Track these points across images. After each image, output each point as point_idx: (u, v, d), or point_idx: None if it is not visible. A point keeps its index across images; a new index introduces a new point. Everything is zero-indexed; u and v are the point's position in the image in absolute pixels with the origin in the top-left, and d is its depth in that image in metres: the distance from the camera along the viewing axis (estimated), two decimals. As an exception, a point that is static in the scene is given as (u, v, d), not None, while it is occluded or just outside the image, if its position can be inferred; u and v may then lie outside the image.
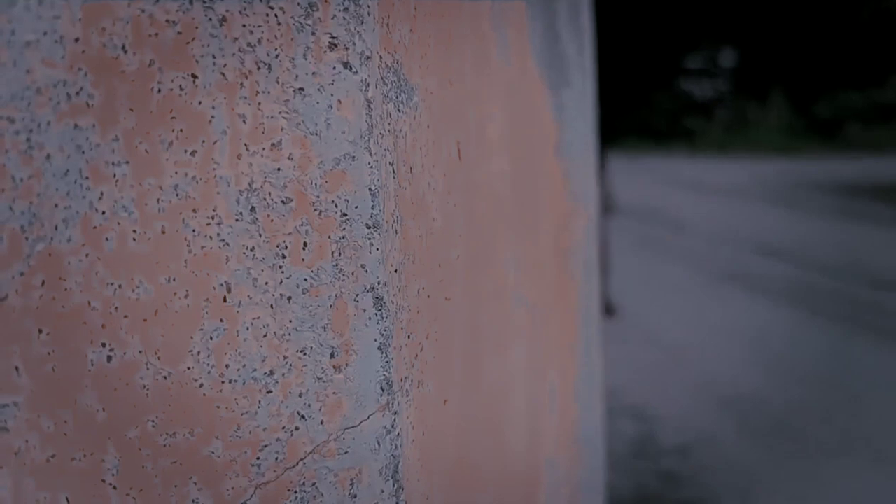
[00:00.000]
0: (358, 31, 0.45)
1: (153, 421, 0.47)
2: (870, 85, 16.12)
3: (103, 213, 0.44)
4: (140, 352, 0.46)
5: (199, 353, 0.46)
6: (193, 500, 0.48)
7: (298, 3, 0.44)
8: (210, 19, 0.43)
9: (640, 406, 3.77)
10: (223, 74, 0.44)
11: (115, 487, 0.47)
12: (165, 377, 0.46)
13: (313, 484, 0.50)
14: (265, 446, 0.48)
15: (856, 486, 2.90)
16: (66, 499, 0.48)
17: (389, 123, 0.50)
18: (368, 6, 0.45)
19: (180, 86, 0.43)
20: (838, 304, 5.29)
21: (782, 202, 9.86)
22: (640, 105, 16.72)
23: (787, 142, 15.52)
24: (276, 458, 0.49)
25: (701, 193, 10.93)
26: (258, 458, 0.48)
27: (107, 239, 0.45)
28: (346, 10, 0.45)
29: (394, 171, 0.51)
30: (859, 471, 2.98)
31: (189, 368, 0.46)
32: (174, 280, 0.45)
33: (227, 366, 0.47)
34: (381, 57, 0.48)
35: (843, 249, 6.96)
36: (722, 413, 3.65)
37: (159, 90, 0.44)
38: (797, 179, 11.63)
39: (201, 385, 0.47)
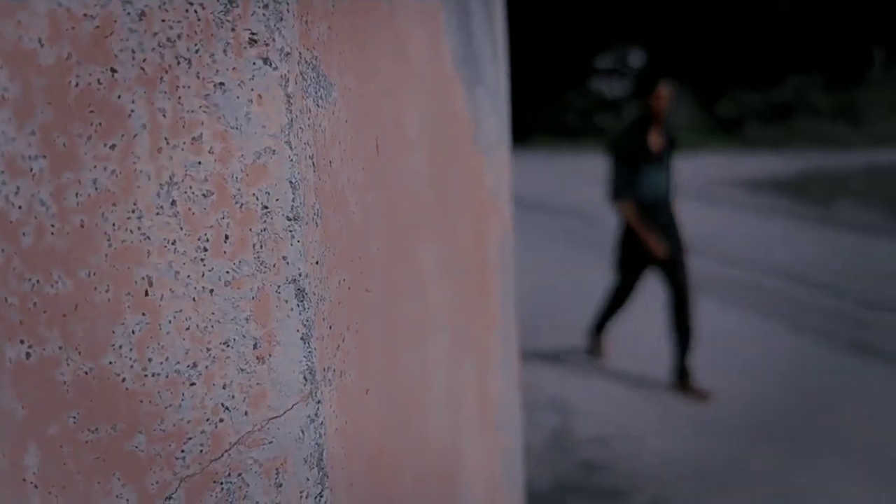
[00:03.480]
0: (277, 28, 0.46)
1: (74, 417, 0.46)
2: (768, 85, 17.02)
3: (20, 207, 0.44)
4: (60, 347, 0.45)
5: (121, 347, 0.46)
6: (117, 496, 0.48)
7: (218, 0, 0.44)
8: (129, 14, 0.43)
9: (560, 398, 3.87)
10: (143, 69, 0.44)
11: (35, 486, 0.47)
12: (87, 372, 0.46)
13: (239, 474, 0.50)
14: (189, 439, 0.49)
15: (768, 468, 3.07)
16: (-19, 500, 0.47)
17: (309, 118, 0.51)
18: (287, 4, 0.46)
19: (98, 80, 0.43)
20: (747, 293, 5.57)
21: (691, 197, 10.28)
22: (553, 104, 17.07)
23: (692, 139, 16.17)
24: (201, 451, 0.49)
25: (613, 189, 11.23)
26: (182, 451, 0.49)
27: (24, 234, 0.44)
28: (265, 6, 0.46)
29: (314, 165, 0.52)
30: (774, 455, 3.16)
31: (111, 363, 0.46)
32: (94, 274, 0.45)
33: (149, 359, 0.47)
34: (300, 53, 0.49)
35: (750, 241, 7.33)
36: (637, 401, 3.79)
37: (77, 84, 0.43)
38: (703, 175, 12.14)
39: (124, 379, 0.47)
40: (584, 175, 12.87)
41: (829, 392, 3.77)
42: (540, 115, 16.99)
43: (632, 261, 3.96)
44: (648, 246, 3.76)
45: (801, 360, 4.26)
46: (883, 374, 3.86)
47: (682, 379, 3.78)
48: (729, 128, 16.36)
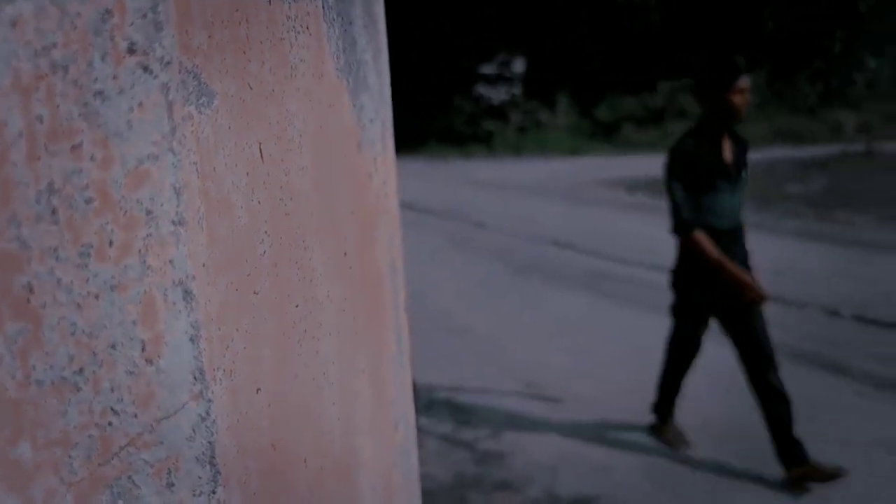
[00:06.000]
0: (157, 37, 0.48)
1: (-48, 428, 0.46)
2: (642, 90, 17.95)
3: None
4: (-65, 358, 0.45)
5: (2, 356, 0.46)
6: (1, 506, 0.48)
7: (95, 9, 0.45)
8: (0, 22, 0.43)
9: (455, 396, 3.94)
10: (17, 77, 0.44)
11: (-90, 501, 0.46)
12: (-35, 382, 0.45)
13: (129, 477, 0.51)
14: (77, 444, 0.49)
15: (632, 439, 3.25)
16: None
17: (191, 125, 0.53)
18: (166, 14, 0.48)
19: (-30, 88, 0.43)
20: (629, 288, 5.84)
21: (573, 198, 10.69)
22: (442, 110, 17.28)
23: (573, 142, 16.80)
24: (89, 456, 0.50)
25: (500, 192, 11.55)
26: (70, 458, 0.49)
27: None
28: (143, 16, 0.47)
29: (197, 171, 0.53)
30: (640, 430, 3.34)
31: (-8, 371, 0.46)
32: (-29, 283, 0.45)
33: (33, 367, 0.47)
34: (180, 62, 0.50)
35: (628, 238, 7.70)
36: (528, 394, 3.91)
37: (-54, 92, 0.43)
38: (584, 177, 12.65)
39: (6, 388, 0.46)
40: (471, 180, 13.08)
41: (700, 375, 4.01)
42: (429, 122, 17.17)
43: (696, 305, 3.04)
44: (741, 288, 2.76)
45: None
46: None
47: (798, 464, 2.78)
48: (607, 131, 17.13)
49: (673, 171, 2.81)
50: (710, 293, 2.86)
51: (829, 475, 2.73)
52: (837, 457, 2.83)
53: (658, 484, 2.93)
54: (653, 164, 13.62)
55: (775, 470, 2.88)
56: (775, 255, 6.19)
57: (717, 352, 3.85)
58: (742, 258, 2.85)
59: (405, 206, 8.90)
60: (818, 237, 7.71)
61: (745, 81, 2.70)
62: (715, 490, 2.85)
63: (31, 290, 0.46)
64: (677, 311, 3.13)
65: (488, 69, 18.35)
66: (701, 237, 2.74)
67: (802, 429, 2.87)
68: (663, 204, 10.06)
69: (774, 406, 2.80)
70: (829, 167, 11.65)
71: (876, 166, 11.78)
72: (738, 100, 2.70)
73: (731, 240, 2.83)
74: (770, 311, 4.69)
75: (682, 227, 2.79)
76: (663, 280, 5.88)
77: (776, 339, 4.00)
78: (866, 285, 5.51)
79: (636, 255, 6.83)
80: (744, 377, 2.91)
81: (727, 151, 2.82)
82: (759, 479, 2.89)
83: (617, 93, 18.06)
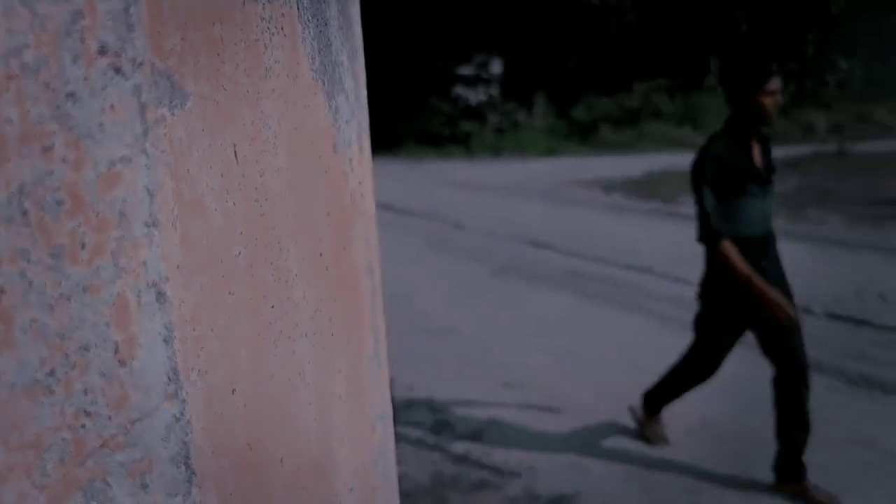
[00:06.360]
0: (129, 39, 0.48)
1: (-78, 432, 0.45)
2: (618, 91, 18.08)
3: None
4: None
5: (-28, 358, 0.46)
6: (-28, 510, 0.47)
7: (65, 10, 0.45)
8: (-30, 24, 0.43)
9: (434, 396, 3.94)
10: (-13, 78, 0.44)
11: None
12: (-65, 385, 0.45)
13: (103, 479, 0.51)
14: (49, 447, 0.49)
15: (612, 439, 3.27)
16: None
17: (164, 127, 0.53)
18: (138, 16, 0.48)
19: (-61, 89, 0.43)
20: (608, 288, 5.88)
21: (550, 198, 10.75)
22: (419, 111, 17.28)
23: (550, 143, 16.88)
24: (62, 459, 0.49)
25: (478, 193, 11.59)
26: (42, 460, 0.49)
27: None
28: (114, 18, 0.47)
29: (171, 172, 0.53)
30: (618, 430, 3.37)
31: (-38, 374, 0.46)
32: (-60, 286, 0.45)
33: (4, 369, 0.47)
34: (153, 63, 0.50)
35: (606, 238, 7.75)
36: (507, 394, 3.92)
37: (-86, 93, 0.43)
38: (561, 177, 12.72)
39: (-24, 391, 0.46)
40: (449, 181, 13.09)
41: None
42: (407, 123, 17.17)
43: (722, 320, 2.86)
44: (769, 307, 2.60)
45: (646, 341, 4.55)
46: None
47: (794, 483, 2.78)
48: (584, 132, 17.24)
49: (702, 174, 2.67)
50: (740, 305, 2.71)
51: (821, 501, 2.71)
52: (810, 452, 2.87)
53: (637, 484, 2.96)
54: (629, 165, 13.75)
55: (760, 474, 2.91)
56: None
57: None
58: (776, 268, 2.75)
59: (383, 207, 8.91)
60: (790, 236, 7.82)
61: (775, 83, 2.62)
62: (697, 491, 2.89)
63: (2, 291, 0.46)
64: (700, 322, 2.95)
65: (466, 70, 18.39)
66: (729, 249, 2.61)
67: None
68: (640, 204, 10.13)
69: (794, 430, 2.73)
70: (801, 167, 11.83)
71: (848, 166, 11.99)
72: (768, 102, 2.61)
73: (764, 248, 2.72)
74: (744, 310, 4.75)
75: (709, 238, 2.66)
76: (641, 280, 5.93)
77: (748, 337, 4.05)
78: (838, 283, 5.60)
79: (614, 255, 6.88)
80: (771, 393, 2.80)
81: (757, 155, 2.72)
82: (739, 481, 2.93)
83: (593, 94, 18.19)
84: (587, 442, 3.31)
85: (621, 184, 11.67)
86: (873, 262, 6.39)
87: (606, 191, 11.21)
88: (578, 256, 6.99)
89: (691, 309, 5.20)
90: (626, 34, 18.47)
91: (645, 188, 11.13)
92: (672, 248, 6.89)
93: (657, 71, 17.96)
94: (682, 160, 13.65)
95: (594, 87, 18.18)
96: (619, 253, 6.92)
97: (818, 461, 2.84)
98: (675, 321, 4.83)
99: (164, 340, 0.51)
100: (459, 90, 18.29)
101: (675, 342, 4.46)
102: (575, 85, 18.30)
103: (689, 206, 9.26)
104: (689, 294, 5.50)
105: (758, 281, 2.58)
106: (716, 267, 2.73)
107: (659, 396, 3.15)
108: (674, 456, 3.12)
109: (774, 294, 2.59)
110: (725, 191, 2.64)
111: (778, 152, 2.87)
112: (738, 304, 2.70)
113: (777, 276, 2.73)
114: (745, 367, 3.36)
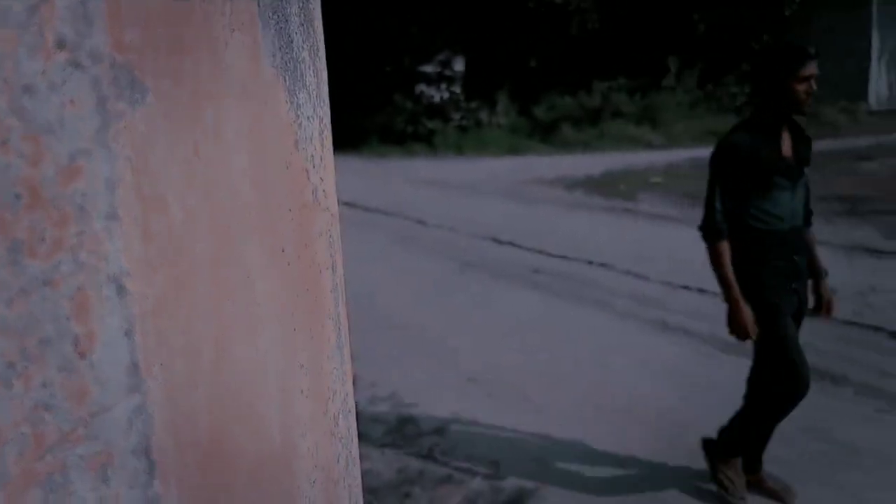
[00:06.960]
0: (87, 33, 0.48)
1: None
2: (579, 90, 18.25)
3: None
4: None
5: (-72, 352, 0.45)
6: (-71, 506, 0.47)
7: (22, 4, 0.45)
8: (-75, 16, 0.43)
9: (398, 392, 3.94)
10: (-57, 71, 0.44)
11: None
12: None
13: (63, 472, 0.51)
14: (8, 441, 0.49)
15: (574, 432, 3.32)
16: None
17: (124, 121, 0.53)
18: (96, 10, 0.48)
19: None
20: (571, 284, 5.94)
21: (513, 196, 10.81)
22: (381, 109, 17.22)
23: (513, 141, 16.97)
24: (21, 453, 0.49)
25: (441, 191, 11.60)
26: (1, 454, 0.49)
27: None
28: (73, 12, 0.47)
29: (131, 167, 0.53)
30: (587, 424, 3.41)
31: (-82, 369, 0.45)
32: None
33: (-39, 363, 0.46)
34: (113, 57, 0.50)
35: (568, 236, 7.82)
36: (471, 390, 3.94)
37: None
38: (524, 175, 12.79)
39: (-67, 385, 0.46)
40: (413, 178, 13.08)
41: (637, 367, 4.12)
42: (370, 120, 17.10)
43: (774, 312, 2.58)
44: (731, 319, 2.54)
45: (608, 336, 4.63)
46: (676, 349, 4.28)
47: (750, 473, 2.77)
48: (545, 131, 17.36)
49: (720, 169, 2.52)
50: (780, 287, 2.55)
51: (776, 493, 2.71)
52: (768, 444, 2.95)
53: (597, 474, 3.00)
54: (590, 163, 13.89)
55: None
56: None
57: (654, 342, 3.97)
58: (803, 266, 2.62)
59: (346, 204, 8.86)
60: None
61: (811, 68, 2.38)
62: (649, 479, 2.94)
63: (-41, 286, 0.46)
64: (759, 317, 2.58)
65: (428, 68, 18.38)
66: (723, 250, 2.51)
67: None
68: (601, 202, 10.25)
69: (766, 424, 2.67)
70: (757, 165, 12.06)
71: (801, 165, 12.24)
72: (801, 88, 2.39)
73: (793, 244, 2.57)
74: (705, 304, 4.85)
75: (710, 232, 2.54)
76: (604, 276, 6.02)
77: (709, 330, 4.14)
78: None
79: (576, 252, 6.96)
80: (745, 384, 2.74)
81: (786, 145, 2.53)
82: (688, 471, 2.99)
83: (555, 93, 18.33)
84: (551, 435, 3.35)
85: (583, 182, 11.79)
86: (824, 258, 6.56)
87: (568, 189, 11.32)
88: (542, 253, 7.06)
89: (650, 305, 5.30)
90: (586, 34, 18.67)
91: (606, 186, 11.27)
92: (632, 245, 7.00)
93: (617, 71, 18.18)
94: (641, 158, 13.88)
95: (556, 87, 18.33)
96: (581, 251, 7.00)
97: (774, 453, 2.92)
98: (633, 317, 4.91)
99: (125, 334, 0.52)
100: (423, 88, 18.27)
101: (635, 340, 4.53)
102: (536, 84, 18.43)
103: (648, 204, 9.42)
104: (648, 290, 5.59)
105: (734, 291, 2.50)
106: (742, 260, 2.55)
107: (751, 446, 2.77)
108: (638, 452, 3.18)
109: (745, 311, 2.50)
110: (750, 183, 2.47)
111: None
112: (777, 286, 2.54)
113: (803, 278, 2.64)
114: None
